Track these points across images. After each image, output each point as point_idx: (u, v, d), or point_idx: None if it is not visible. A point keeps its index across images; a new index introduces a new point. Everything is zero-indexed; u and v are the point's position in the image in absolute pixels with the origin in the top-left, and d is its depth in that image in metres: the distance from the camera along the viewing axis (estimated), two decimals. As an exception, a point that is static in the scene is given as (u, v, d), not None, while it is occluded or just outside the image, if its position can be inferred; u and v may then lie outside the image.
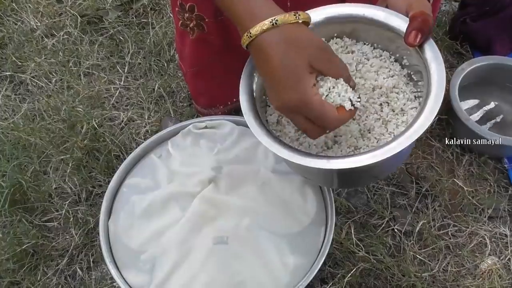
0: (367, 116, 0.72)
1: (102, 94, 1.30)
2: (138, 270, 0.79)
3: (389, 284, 1.01)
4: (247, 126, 0.93)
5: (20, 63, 1.37)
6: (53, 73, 1.34)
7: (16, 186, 1.11)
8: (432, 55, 0.67)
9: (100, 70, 1.35)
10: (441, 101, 0.63)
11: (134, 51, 1.37)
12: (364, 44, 0.76)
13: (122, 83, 1.32)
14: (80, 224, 1.10)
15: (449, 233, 1.06)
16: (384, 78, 0.73)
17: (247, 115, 0.70)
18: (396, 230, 1.07)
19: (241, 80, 0.72)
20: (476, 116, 1.18)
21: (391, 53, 0.75)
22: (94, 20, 1.44)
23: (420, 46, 0.67)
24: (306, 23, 0.67)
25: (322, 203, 0.83)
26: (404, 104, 0.72)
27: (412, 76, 0.73)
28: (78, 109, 1.24)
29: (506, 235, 1.06)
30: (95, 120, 1.21)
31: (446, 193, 1.10)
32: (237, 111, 1.18)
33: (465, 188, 1.09)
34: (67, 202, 1.13)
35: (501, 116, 1.18)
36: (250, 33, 0.64)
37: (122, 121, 1.25)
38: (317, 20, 0.73)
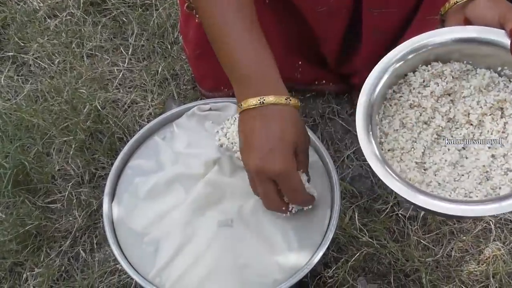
0: (481, 134, 0.70)
1: (105, 76, 1.30)
2: (142, 252, 0.78)
3: (392, 268, 1.01)
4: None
5: (22, 44, 1.36)
6: (56, 54, 1.33)
7: (19, 167, 1.11)
8: None
9: (103, 51, 1.34)
10: None
11: (138, 33, 1.36)
12: (455, 62, 0.73)
13: (125, 65, 1.31)
14: (83, 206, 1.10)
15: (454, 219, 1.06)
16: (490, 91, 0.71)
17: (390, 181, 0.64)
18: (400, 215, 1.06)
19: (359, 129, 0.67)
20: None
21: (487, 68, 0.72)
22: (97, 1, 1.42)
23: None
24: (297, 107, 0.70)
25: (328, 187, 0.83)
26: None
27: None
28: (81, 90, 1.24)
29: (511, 221, 1.06)
30: (98, 102, 1.21)
31: (451, 178, 1.09)
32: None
33: (471, 174, 1.09)
34: (70, 183, 1.13)
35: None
36: (263, 99, 0.68)
37: (125, 103, 1.24)
38: (398, 57, 0.70)
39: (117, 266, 1.03)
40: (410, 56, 0.71)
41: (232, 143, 0.84)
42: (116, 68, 1.31)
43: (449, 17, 0.71)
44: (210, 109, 0.91)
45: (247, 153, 0.69)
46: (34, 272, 1.03)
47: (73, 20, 1.39)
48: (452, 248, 1.03)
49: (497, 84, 0.71)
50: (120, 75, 1.29)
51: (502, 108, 0.70)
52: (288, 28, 1.02)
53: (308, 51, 1.08)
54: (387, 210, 1.07)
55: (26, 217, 1.07)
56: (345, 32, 0.99)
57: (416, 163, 0.70)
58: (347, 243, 1.02)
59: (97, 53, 1.34)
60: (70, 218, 1.09)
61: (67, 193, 1.11)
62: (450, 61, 0.72)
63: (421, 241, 1.03)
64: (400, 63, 0.71)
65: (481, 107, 0.70)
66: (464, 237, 1.04)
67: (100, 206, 1.04)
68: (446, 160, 0.69)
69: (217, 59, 1.07)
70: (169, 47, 1.33)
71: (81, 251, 1.06)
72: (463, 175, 0.69)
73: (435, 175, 0.69)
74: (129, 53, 1.33)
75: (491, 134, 0.69)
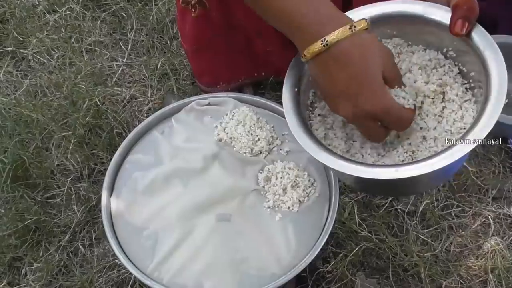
0: (419, 115, 0.68)
1: (104, 71, 1.29)
2: (140, 246, 0.79)
3: (391, 263, 1.01)
4: (250, 104, 0.92)
5: (22, 39, 1.36)
6: (55, 49, 1.33)
7: (18, 162, 1.11)
8: (485, 43, 0.63)
9: (102, 46, 1.34)
10: (505, 92, 0.60)
11: (137, 28, 1.36)
12: (396, 38, 0.71)
13: (124, 60, 1.31)
14: (82, 201, 1.10)
15: (453, 214, 1.06)
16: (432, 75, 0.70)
17: (297, 132, 0.66)
18: (399, 210, 1.06)
19: (284, 94, 0.68)
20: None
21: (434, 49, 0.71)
22: (96, -4, 1.42)
23: (468, 35, 0.64)
24: (365, 29, 0.63)
25: (326, 181, 0.83)
26: (456, 96, 0.68)
27: (460, 67, 0.69)
28: (80, 86, 1.23)
29: (510, 216, 1.05)
30: (97, 97, 1.20)
31: (450, 173, 1.09)
32: (241, 90, 1.17)
33: (470, 169, 1.08)
34: (69, 179, 1.13)
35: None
36: (326, 41, 0.60)
37: (125, 98, 1.24)
38: None
39: (116, 260, 1.03)
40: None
41: (230, 138, 0.84)
42: (116, 63, 1.31)
43: None
44: (208, 104, 0.91)
45: (335, 102, 0.63)
46: (33, 267, 1.03)
47: (72, 15, 1.39)
48: (451, 243, 1.03)
49: (442, 67, 0.70)
50: (120, 70, 1.29)
51: (444, 93, 0.69)
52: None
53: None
54: (386, 205, 1.06)
55: (25, 212, 1.07)
56: None
57: (347, 134, 0.70)
58: (346, 238, 1.02)
59: (96, 48, 1.34)
60: (69, 213, 1.09)
61: (66, 188, 1.11)
62: (392, 38, 0.71)
63: (420, 236, 1.03)
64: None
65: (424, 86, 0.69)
66: (463, 232, 1.04)
67: (99, 201, 1.04)
68: None
69: (215, 53, 1.07)
70: (168, 42, 1.33)
71: (80, 246, 1.06)
72: (388, 151, 0.68)
73: (362, 148, 0.69)
74: (129, 48, 1.33)
75: (427, 116, 0.68)
